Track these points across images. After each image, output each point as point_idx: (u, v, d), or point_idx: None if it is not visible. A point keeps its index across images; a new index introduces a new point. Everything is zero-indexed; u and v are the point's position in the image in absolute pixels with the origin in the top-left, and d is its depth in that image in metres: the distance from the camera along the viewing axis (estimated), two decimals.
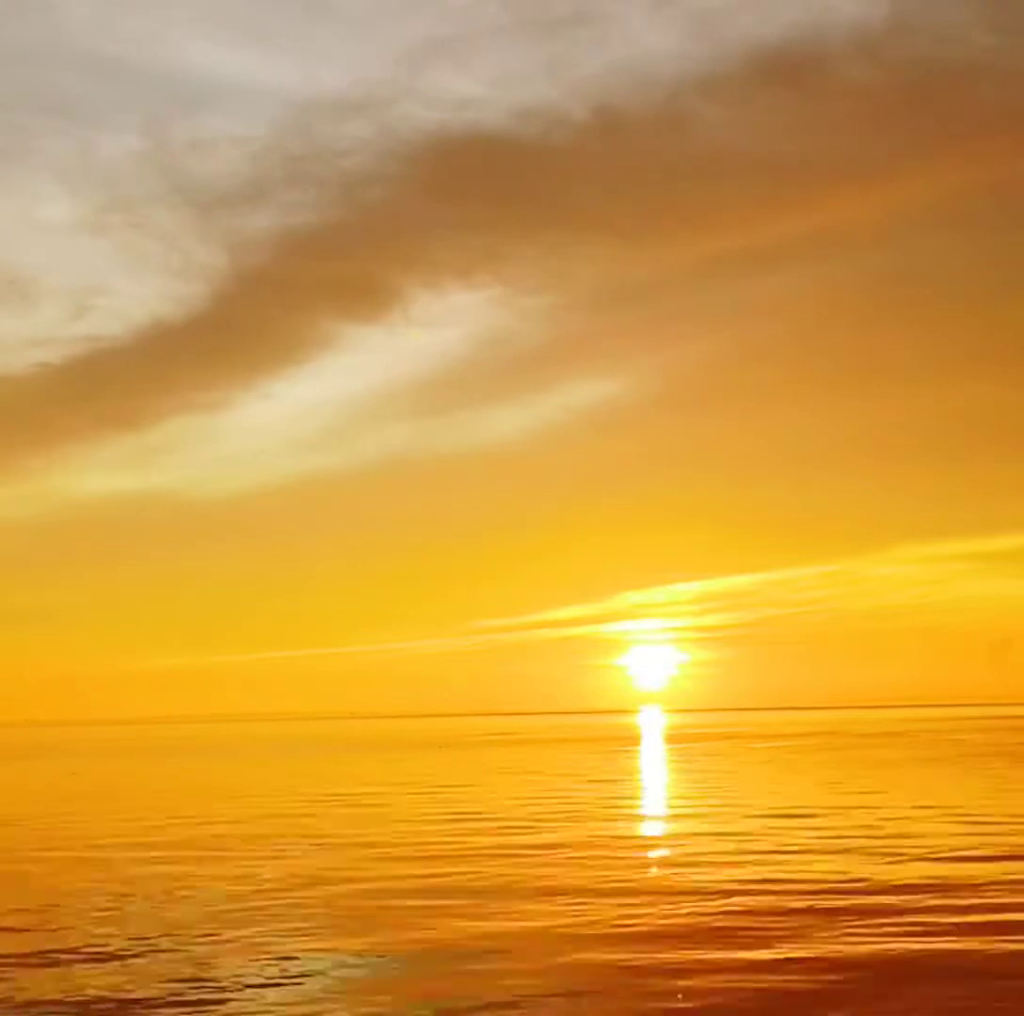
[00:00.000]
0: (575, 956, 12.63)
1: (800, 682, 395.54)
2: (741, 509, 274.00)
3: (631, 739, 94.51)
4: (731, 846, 21.37)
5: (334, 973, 12.13)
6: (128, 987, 11.70)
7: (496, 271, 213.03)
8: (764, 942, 13.16)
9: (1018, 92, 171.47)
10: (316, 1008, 10.84)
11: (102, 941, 13.94)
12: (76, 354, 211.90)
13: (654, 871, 19.42)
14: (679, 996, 10.97)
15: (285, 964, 12.53)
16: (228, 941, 13.77)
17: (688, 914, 14.86)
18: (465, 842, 22.99)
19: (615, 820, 27.72)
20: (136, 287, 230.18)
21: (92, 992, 11.55)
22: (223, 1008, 10.92)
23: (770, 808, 28.71)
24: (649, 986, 11.35)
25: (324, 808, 32.43)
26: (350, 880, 18.40)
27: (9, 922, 15.34)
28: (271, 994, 11.33)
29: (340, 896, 16.85)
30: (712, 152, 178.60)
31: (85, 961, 12.93)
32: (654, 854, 21.66)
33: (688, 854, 20.63)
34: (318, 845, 23.27)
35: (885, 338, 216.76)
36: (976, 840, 21.78)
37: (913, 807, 28.47)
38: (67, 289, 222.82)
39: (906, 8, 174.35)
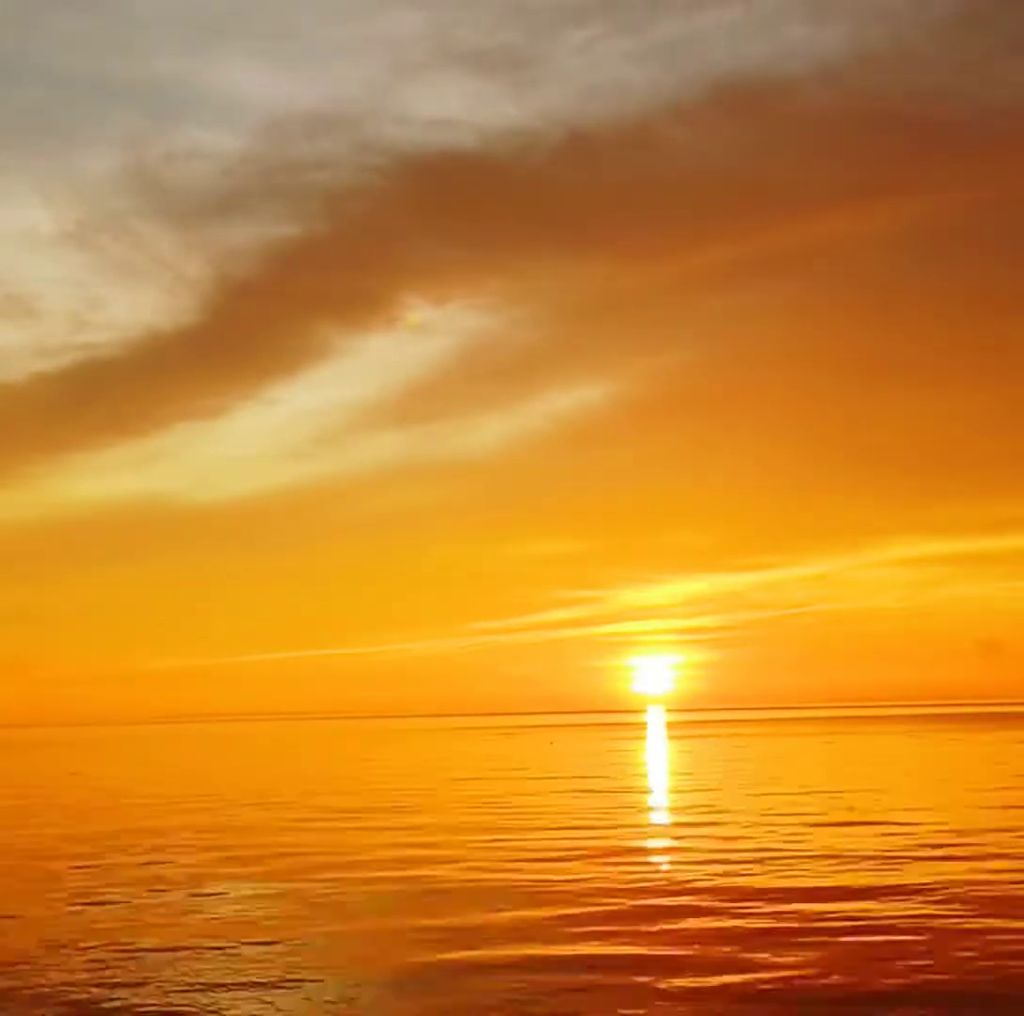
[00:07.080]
0: None
1: (794, 683, 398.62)
2: (731, 512, 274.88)
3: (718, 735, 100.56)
4: None
5: None
6: None
7: (481, 283, 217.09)
8: None
9: (978, 117, 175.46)
10: None
11: None
12: (75, 364, 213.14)
13: None
14: None
15: None
16: None
17: None
18: None
19: None
20: (129, 300, 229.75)
21: None
22: None
23: None
24: None
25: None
26: None
27: None
28: None
29: None
30: (682, 174, 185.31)
31: None
32: None
33: None
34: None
35: (867, 345, 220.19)
36: None
37: None
38: (62, 302, 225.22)
39: (868, 36, 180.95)
